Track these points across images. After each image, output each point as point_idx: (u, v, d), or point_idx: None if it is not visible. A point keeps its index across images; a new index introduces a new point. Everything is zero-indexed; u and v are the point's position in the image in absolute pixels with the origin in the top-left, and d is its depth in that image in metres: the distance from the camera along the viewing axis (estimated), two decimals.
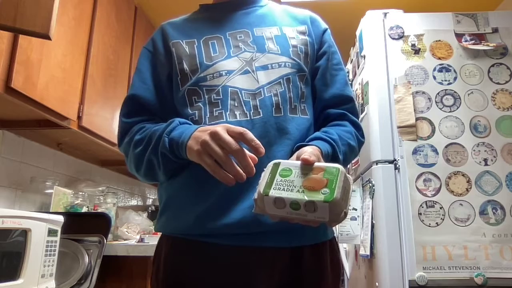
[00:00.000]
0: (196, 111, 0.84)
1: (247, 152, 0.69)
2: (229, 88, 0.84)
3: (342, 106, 0.92)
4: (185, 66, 0.87)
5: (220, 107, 0.83)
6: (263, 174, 0.69)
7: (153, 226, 2.39)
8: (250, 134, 0.69)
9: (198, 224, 0.78)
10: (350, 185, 0.67)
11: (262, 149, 0.68)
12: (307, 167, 0.67)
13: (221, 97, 0.83)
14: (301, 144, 0.80)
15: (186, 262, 0.79)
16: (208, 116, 0.83)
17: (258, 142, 0.68)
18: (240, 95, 0.83)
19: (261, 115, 0.82)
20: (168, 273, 0.80)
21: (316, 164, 0.67)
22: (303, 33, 0.94)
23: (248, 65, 0.86)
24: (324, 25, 0.99)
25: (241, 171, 0.68)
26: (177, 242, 0.82)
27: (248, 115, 0.82)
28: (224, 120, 0.81)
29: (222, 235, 0.77)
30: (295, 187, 0.65)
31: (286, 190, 0.64)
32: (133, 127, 0.87)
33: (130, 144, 0.85)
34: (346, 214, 0.64)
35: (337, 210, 0.62)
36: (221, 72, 0.85)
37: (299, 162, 0.69)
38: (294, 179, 0.66)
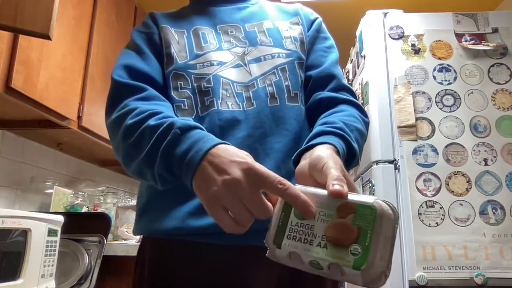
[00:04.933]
0: (185, 100, 0.79)
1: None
2: (221, 78, 0.80)
3: (332, 82, 0.86)
4: (172, 50, 0.83)
5: (211, 96, 0.78)
6: (274, 210, 0.54)
7: None
8: (292, 189, 0.52)
9: (187, 222, 0.71)
10: (393, 226, 0.48)
11: (313, 211, 0.51)
12: (333, 200, 0.51)
13: (212, 85, 0.79)
14: (308, 146, 0.67)
15: (176, 263, 0.74)
16: (200, 106, 0.78)
17: (305, 200, 0.52)
18: (232, 86, 0.80)
19: (255, 106, 0.78)
20: (157, 276, 0.75)
21: (346, 198, 0.51)
22: (296, 23, 0.93)
23: (240, 59, 0.83)
24: (314, 15, 0.97)
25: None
26: (164, 243, 0.75)
27: (241, 106, 0.78)
28: (216, 108, 0.76)
29: (213, 234, 0.69)
30: (315, 236, 0.49)
31: (304, 242, 0.50)
32: (129, 92, 0.74)
33: (119, 125, 0.71)
34: (387, 276, 0.47)
35: (373, 274, 0.47)
36: (212, 62, 0.81)
37: (319, 191, 0.52)
38: (315, 223, 0.50)
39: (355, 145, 0.71)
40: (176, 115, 0.75)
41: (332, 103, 0.84)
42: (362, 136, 0.78)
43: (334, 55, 0.92)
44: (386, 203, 0.49)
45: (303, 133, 0.81)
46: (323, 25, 0.97)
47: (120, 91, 0.75)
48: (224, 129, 0.75)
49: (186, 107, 0.79)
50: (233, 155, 0.56)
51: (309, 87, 0.88)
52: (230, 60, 0.83)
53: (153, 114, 0.68)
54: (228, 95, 0.78)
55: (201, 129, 0.65)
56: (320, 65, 0.89)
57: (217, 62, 0.82)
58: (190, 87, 0.80)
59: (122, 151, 0.71)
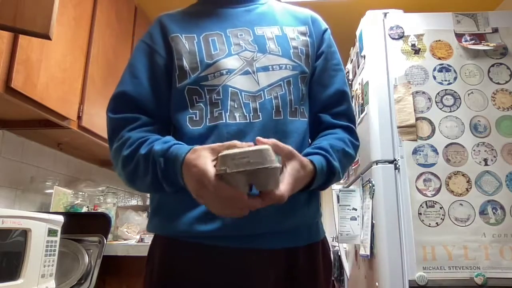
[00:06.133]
0: (197, 111, 0.83)
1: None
2: (229, 88, 0.83)
3: (338, 106, 0.92)
4: (184, 63, 0.85)
5: (220, 108, 0.82)
6: None
7: None
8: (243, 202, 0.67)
9: (195, 226, 0.77)
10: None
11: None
12: None
13: (221, 97, 0.82)
14: None
15: (183, 263, 0.78)
16: (208, 117, 0.82)
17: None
18: (240, 96, 0.82)
19: (261, 119, 0.81)
20: (164, 275, 0.79)
21: None
22: (303, 33, 0.93)
23: (249, 65, 0.85)
24: (324, 25, 0.98)
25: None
26: (172, 243, 0.80)
27: (247, 118, 0.81)
28: (224, 121, 0.81)
29: (219, 237, 0.77)
30: None
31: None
32: (122, 125, 0.83)
33: (118, 155, 0.82)
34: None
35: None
36: (222, 71, 0.84)
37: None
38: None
39: (335, 163, 0.82)
40: (187, 125, 0.83)
41: (330, 127, 0.91)
42: (347, 157, 0.88)
43: (342, 74, 0.96)
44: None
45: (303, 145, 0.86)
46: (331, 36, 0.99)
47: (115, 125, 0.85)
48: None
49: (197, 118, 0.83)
50: (190, 172, 0.70)
51: (318, 104, 0.92)
52: (239, 66, 0.85)
53: (142, 143, 0.79)
54: (236, 106, 0.82)
55: (174, 144, 0.77)
56: (331, 84, 0.93)
57: (226, 71, 0.84)
58: (204, 99, 0.83)
59: (124, 176, 0.82)
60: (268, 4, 0.98)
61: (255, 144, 0.68)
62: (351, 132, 0.92)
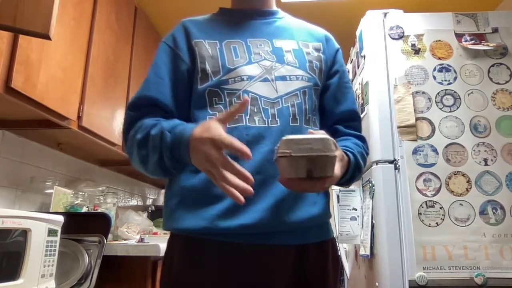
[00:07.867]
0: (217, 113, 0.87)
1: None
2: (250, 94, 0.87)
3: (350, 122, 0.99)
4: (207, 66, 0.90)
5: None
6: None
7: (153, 226, 2.38)
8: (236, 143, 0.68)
9: (216, 223, 0.80)
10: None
11: (249, 153, 0.67)
12: None
13: (242, 101, 0.85)
14: None
15: (202, 261, 0.81)
16: None
17: (243, 148, 0.67)
18: (259, 101, 0.87)
19: (279, 124, 0.86)
20: (183, 273, 0.82)
21: None
22: (318, 50, 0.99)
23: (268, 74, 0.90)
24: (337, 45, 1.05)
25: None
26: (190, 241, 0.83)
27: (266, 122, 0.85)
28: (244, 124, 0.85)
29: (238, 234, 0.80)
30: None
31: None
32: (139, 118, 0.88)
33: (132, 143, 0.86)
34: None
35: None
36: (242, 77, 0.88)
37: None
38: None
39: (361, 161, 0.91)
40: None
41: (345, 135, 0.99)
42: (364, 160, 0.95)
43: (353, 92, 1.05)
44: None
45: None
46: (342, 55, 1.07)
47: (133, 117, 0.89)
48: (251, 143, 0.83)
49: None
50: (201, 139, 0.73)
51: (332, 117, 0.99)
52: (258, 74, 0.89)
53: (154, 126, 0.83)
54: (255, 110, 0.86)
55: (180, 123, 0.81)
56: (345, 101, 1.01)
57: (246, 77, 0.88)
58: (223, 102, 0.88)
59: (138, 160, 0.86)
60: (285, 19, 1.03)
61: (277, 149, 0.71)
62: (364, 141, 0.99)
